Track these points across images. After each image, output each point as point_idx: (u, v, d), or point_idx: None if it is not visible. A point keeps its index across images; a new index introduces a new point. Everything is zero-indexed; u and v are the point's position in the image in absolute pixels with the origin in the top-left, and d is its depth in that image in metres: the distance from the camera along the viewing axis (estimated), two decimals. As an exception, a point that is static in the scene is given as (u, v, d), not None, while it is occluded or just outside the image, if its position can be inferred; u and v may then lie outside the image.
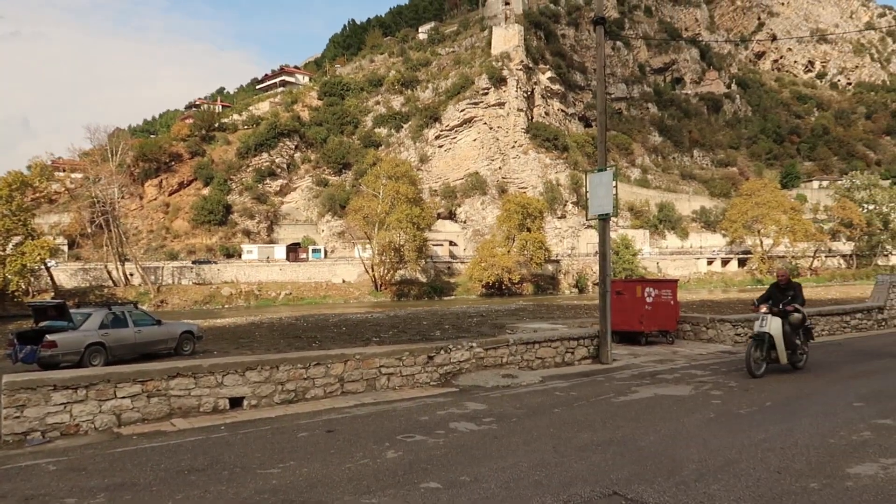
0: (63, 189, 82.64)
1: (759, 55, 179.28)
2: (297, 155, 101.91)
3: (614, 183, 14.01)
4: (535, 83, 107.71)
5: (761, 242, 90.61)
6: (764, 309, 11.17)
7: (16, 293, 63.04)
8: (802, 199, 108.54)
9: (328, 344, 19.22)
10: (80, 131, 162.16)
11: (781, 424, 7.76)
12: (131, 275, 74.68)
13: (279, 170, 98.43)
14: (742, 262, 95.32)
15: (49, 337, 14.45)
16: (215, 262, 77.91)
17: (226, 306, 68.52)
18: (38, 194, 77.19)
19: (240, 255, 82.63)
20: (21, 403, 7.55)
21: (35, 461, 6.66)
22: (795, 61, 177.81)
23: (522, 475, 5.89)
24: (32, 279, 66.10)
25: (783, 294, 11.51)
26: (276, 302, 71.42)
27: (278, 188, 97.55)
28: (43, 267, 66.77)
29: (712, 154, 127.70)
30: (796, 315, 11.18)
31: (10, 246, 62.96)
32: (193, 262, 77.74)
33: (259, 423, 8.29)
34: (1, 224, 61.52)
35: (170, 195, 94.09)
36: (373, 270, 74.48)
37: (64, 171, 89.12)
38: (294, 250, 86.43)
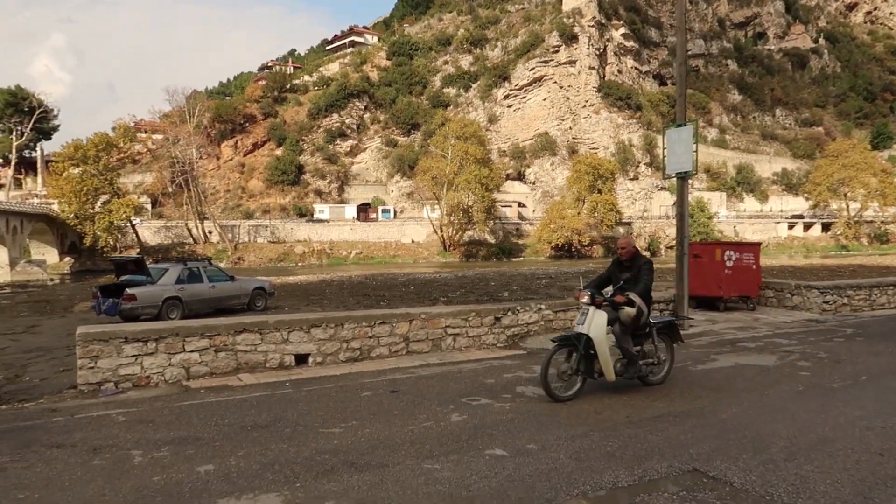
0: (145, 150, 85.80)
1: (851, 7, 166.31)
2: (367, 116, 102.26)
3: (694, 139, 13.17)
4: (608, 40, 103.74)
5: (847, 206, 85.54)
6: (585, 298, 7.12)
7: (105, 249, 66.46)
8: (895, 160, 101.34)
9: (396, 303, 19.23)
10: (161, 94, 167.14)
11: (880, 402, 7.09)
12: (210, 232, 77.41)
13: (349, 130, 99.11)
14: (826, 227, 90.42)
15: (129, 290, 14.95)
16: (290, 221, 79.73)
17: (298, 264, 70.29)
18: (122, 155, 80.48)
19: (311, 215, 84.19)
20: (94, 354, 7.72)
21: (106, 411, 6.78)
22: (892, 13, 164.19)
23: (593, 446, 5.55)
24: (119, 236, 69.34)
25: (622, 276, 7.58)
26: (346, 261, 72.75)
27: (348, 149, 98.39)
28: (129, 224, 70.04)
29: (796, 113, 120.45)
30: (627, 310, 7.18)
31: (99, 204, 66.11)
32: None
33: (323, 380, 8.23)
34: (90, 183, 64.56)
35: (245, 155, 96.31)
36: (441, 231, 74.55)
37: (146, 132, 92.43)
38: (364, 210, 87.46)
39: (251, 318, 9.40)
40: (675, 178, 13.97)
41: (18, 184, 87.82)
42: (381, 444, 5.59)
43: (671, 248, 79.42)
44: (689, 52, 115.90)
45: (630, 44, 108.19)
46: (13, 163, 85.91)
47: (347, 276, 37.28)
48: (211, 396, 7.42)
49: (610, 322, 7.08)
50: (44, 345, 12.44)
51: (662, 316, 8.75)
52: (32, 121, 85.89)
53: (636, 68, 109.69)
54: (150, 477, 4.85)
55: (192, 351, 8.26)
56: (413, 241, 78.36)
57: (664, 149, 13.81)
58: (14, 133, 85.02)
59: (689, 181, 14.72)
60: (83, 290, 26.67)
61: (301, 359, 8.98)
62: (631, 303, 7.14)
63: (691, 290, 14.20)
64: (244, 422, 6.27)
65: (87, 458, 5.27)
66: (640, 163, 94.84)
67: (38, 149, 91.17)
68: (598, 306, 7.05)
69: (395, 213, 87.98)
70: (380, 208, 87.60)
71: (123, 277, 16.18)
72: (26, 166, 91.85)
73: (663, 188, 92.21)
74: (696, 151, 13.21)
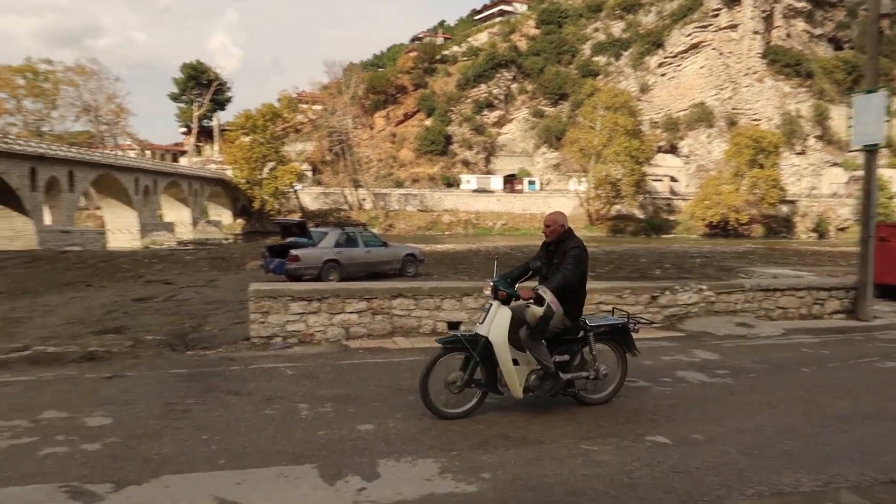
0: (306, 120, 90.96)
1: None
2: (514, 86, 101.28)
3: (886, 107, 11.62)
4: (776, 1, 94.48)
5: None
6: (488, 290, 5.63)
7: (271, 212, 71.91)
8: None
9: (541, 276, 18.96)
10: (320, 67, 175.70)
11: None
12: (363, 200, 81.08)
13: (496, 101, 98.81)
14: None
15: (293, 252, 15.98)
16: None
17: (445, 233, 71.87)
18: (286, 124, 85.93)
19: (458, 185, 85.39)
20: (265, 310, 8.28)
21: (276, 364, 7.26)
22: None
23: (767, 442, 5.10)
24: (284, 200, 74.57)
25: (550, 262, 5.85)
26: (491, 231, 73.32)
27: (495, 119, 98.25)
28: (292, 190, 75.13)
29: None
30: (534, 309, 5.51)
31: (266, 170, 71.36)
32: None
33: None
34: (258, 151, 69.78)
35: (396, 126, 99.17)
36: (588, 204, 72.82)
37: (307, 103, 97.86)
38: (510, 182, 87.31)
39: (405, 284, 9.63)
40: (859, 152, 12.47)
41: (198, 150, 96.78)
42: (535, 420, 5.50)
43: (842, 229, 72.03)
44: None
45: (801, 4, 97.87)
46: (194, 131, 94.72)
47: (493, 247, 37.47)
48: (368, 357, 7.71)
49: (520, 323, 5.54)
50: (221, 298, 13.60)
51: (637, 317, 6.33)
52: (210, 92, 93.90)
53: (807, 31, 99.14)
54: (315, 431, 5.10)
55: (351, 312, 8.63)
56: (558, 214, 77.18)
57: (850, 118, 12.33)
58: (195, 104, 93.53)
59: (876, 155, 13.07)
60: (253, 250, 28.96)
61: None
62: (541, 300, 5.44)
63: (876, 277, 12.70)
64: (400, 385, 6.43)
65: (260, 407, 5.65)
66: (808, 136, 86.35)
67: (214, 118, 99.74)
68: (505, 302, 5.51)
69: (540, 184, 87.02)
70: (525, 180, 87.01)
71: (289, 239, 17.27)
72: (205, 135, 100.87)
73: (835, 164, 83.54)
74: (887, 121, 11.68)
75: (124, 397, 5.86)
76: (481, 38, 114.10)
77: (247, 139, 70.93)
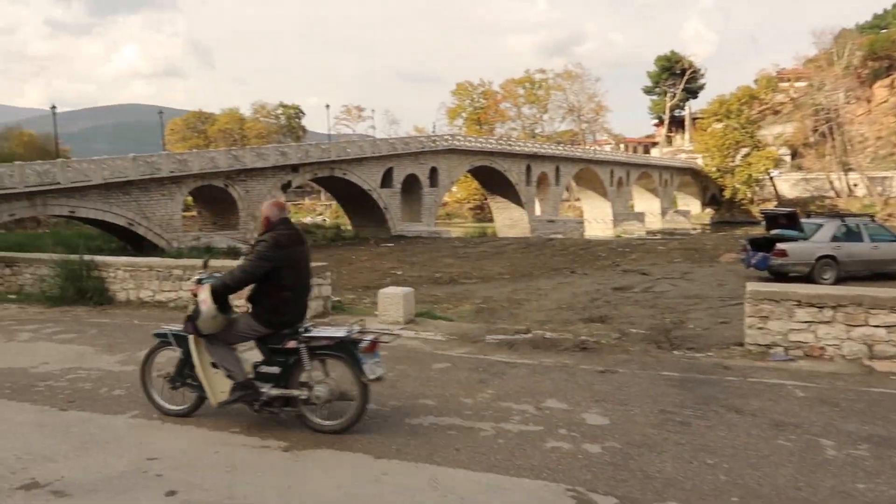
0: (787, 99, 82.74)
1: None
2: None
3: None
4: None
5: None
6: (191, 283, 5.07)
7: (742, 201, 67.90)
8: None
9: None
10: (806, 39, 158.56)
11: None
12: (855, 185, 70.31)
13: None
14: None
15: (779, 245, 14.26)
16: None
17: (976, 225, 56.45)
18: (763, 107, 79.65)
19: None
20: (764, 315, 7.23)
21: (780, 380, 6.20)
22: None
23: None
24: (757, 188, 69.54)
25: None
26: None
27: None
28: (767, 177, 69.41)
29: None
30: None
31: (739, 157, 67.49)
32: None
33: None
34: (731, 137, 66.40)
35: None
36: None
37: (788, 81, 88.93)
38: None
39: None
40: None
41: (668, 141, 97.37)
42: None
43: None
44: None
45: None
46: (666, 122, 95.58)
47: None
48: (905, 387, 6.00)
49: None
50: (699, 293, 12.95)
51: (372, 330, 4.93)
52: (683, 81, 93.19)
53: None
54: (851, 481, 3.99)
55: (876, 326, 6.91)
56: None
57: None
58: (668, 94, 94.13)
59: None
60: (726, 241, 27.43)
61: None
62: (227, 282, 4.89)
63: None
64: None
65: (769, 434, 4.77)
66: None
67: (685, 107, 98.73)
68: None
69: None
70: None
71: (774, 231, 15.51)
72: (675, 125, 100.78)
73: None
74: None
75: (618, 395, 5.69)
76: None
77: (719, 126, 68.20)
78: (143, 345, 6.17)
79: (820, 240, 14.50)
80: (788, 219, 15.22)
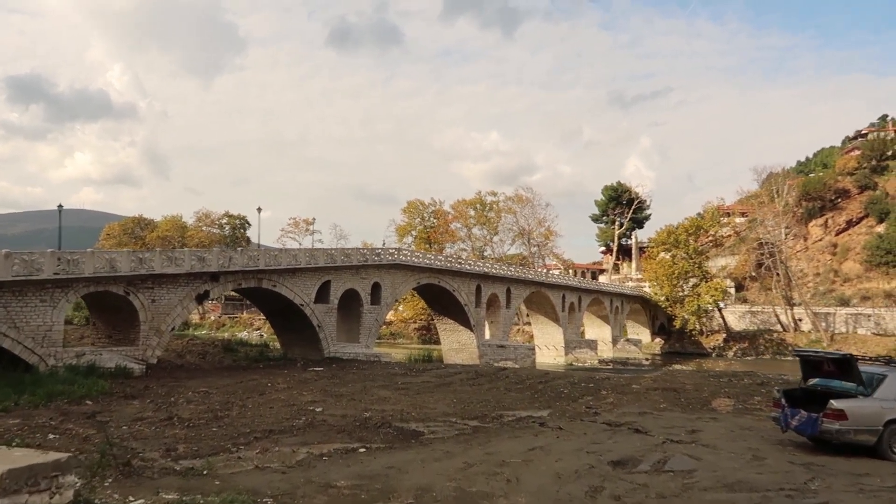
0: (731, 233, 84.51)
1: None
2: None
3: None
4: None
5: None
6: None
7: (692, 331, 66.33)
8: None
9: None
10: (736, 183, 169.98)
11: None
12: (800, 320, 70.55)
13: None
14: None
15: (835, 404, 10.53)
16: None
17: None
18: (708, 238, 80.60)
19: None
20: None
21: None
22: None
23: None
24: (706, 319, 68.54)
25: None
26: None
27: None
28: (715, 308, 68.56)
29: None
30: None
31: (688, 287, 66.63)
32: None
33: None
34: (680, 266, 65.74)
35: (836, 235, 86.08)
36: None
37: (729, 215, 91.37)
38: None
39: None
40: None
41: (616, 268, 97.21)
42: None
43: None
44: None
45: None
46: (614, 249, 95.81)
47: None
48: None
49: None
50: (741, 478, 9.04)
51: None
52: (630, 211, 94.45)
53: None
54: None
55: None
56: None
57: None
58: (616, 223, 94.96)
59: None
60: (706, 381, 23.96)
61: None
62: None
63: None
64: None
65: None
66: None
67: (632, 236, 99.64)
68: None
69: None
70: None
71: (812, 381, 12.00)
72: (622, 253, 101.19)
73: None
74: None
75: None
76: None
77: (667, 255, 67.83)
78: None
79: (886, 396, 10.69)
80: (839, 365, 11.24)
